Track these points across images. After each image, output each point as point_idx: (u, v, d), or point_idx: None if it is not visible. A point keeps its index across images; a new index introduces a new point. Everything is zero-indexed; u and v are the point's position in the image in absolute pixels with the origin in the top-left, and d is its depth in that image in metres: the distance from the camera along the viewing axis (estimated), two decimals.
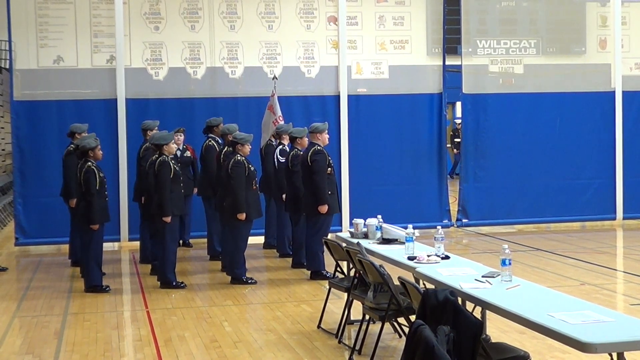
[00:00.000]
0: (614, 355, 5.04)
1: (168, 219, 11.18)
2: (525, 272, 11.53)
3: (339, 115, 15.62)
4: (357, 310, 8.58)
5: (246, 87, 15.39)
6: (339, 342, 8.39)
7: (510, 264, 6.52)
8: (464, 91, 16.22)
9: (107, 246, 13.51)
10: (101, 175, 11.12)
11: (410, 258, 7.76)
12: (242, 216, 11.39)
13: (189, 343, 8.55)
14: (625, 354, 5.00)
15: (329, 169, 11.67)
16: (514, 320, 5.69)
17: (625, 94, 16.73)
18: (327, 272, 11.47)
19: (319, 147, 11.66)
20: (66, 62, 14.88)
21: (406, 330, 7.52)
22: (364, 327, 7.88)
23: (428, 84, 16.00)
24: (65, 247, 13.74)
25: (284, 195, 12.79)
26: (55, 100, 14.81)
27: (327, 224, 11.73)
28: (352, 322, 8.74)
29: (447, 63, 16.08)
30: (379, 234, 9.00)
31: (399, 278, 6.61)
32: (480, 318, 6.22)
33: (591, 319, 5.36)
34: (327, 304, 9.16)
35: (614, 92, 16.71)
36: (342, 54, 15.71)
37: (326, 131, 11.84)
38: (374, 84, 15.95)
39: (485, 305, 6.13)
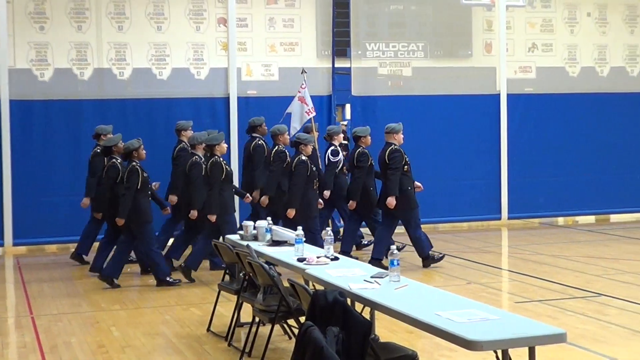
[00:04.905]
0: (499, 352, 5.13)
1: (213, 218, 11.48)
2: (413, 273, 11.68)
3: (228, 117, 15.55)
4: (247, 313, 8.55)
5: (135, 88, 15.19)
6: (229, 344, 8.35)
7: (398, 264, 6.58)
8: (353, 93, 16.34)
9: None
10: (145, 175, 11.36)
11: (300, 260, 7.77)
12: (292, 213, 11.93)
13: (76, 349, 8.38)
14: (510, 350, 5.10)
15: (406, 166, 12.31)
16: (402, 319, 5.73)
17: (509, 96, 17.09)
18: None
19: (395, 146, 12.30)
20: None
21: (296, 331, 7.52)
22: (253, 329, 7.86)
23: (318, 86, 16.05)
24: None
25: (326, 192, 13.20)
26: None
27: (417, 215, 12.44)
28: (241, 325, 8.69)
29: (336, 65, 16.18)
30: (268, 236, 8.99)
31: (288, 280, 6.61)
32: (369, 318, 6.26)
33: (477, 318, 5.43)
34: (217, 306, 9.10)
35: (499, 94, 17.07)
36: (232, 55, 15.66)
37: (401, 131, 12.50)
38: (264, 86, 15.94)
39: (374, 306, 6.17)
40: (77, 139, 14.70)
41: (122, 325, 9.40)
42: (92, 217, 13.01)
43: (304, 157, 12.09)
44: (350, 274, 6.99)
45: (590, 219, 17.81)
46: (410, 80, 16.77)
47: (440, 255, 12.54)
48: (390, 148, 12.35)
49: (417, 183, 12.66)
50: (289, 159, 12.72)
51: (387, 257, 6.82)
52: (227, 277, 9.25)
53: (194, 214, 11.83)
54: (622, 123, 17.71)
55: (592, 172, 17.57)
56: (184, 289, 11.32)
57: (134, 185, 11.23)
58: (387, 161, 12.31)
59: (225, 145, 11.91)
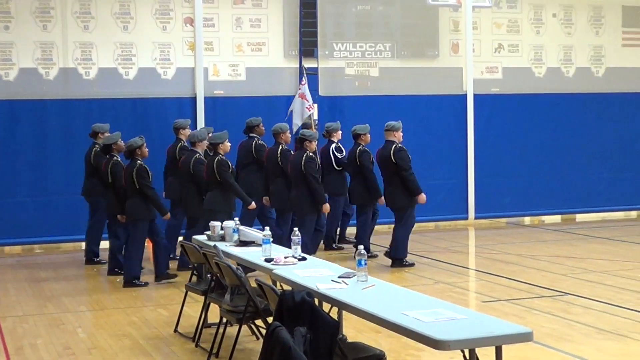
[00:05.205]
0: (466, 351, 5.14)
1: (253, 205, 11.80)
2: (380, 273, 11.70)
3: (195, 117, 15.49)
4: (214, 314, 8.52)
5: (101, 88, 15.09)
6: (196, 345, 8.32)
7: (365, 264, 6.58)
8: (320, 93, 16.33)
9: None
10: (150, 172, 11.41)
11: (268, 260, 7.75)
12: (327, 208, 12.04)
13: (41, 351, 8.32)
14: (477, 350, 5.11)
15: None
16: (370, 319, 5.73)
17: (476, 97, 17.17)
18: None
19: (398, 144, 12.38)
20: None
21: (263, 332, 7.50)
22: (221, 330, 7.84)
23: (285, 86, 16.04)
24: None
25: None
26: None
27: (414, 215, 12.65)
28: (209, 326, 8.66)
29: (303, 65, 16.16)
30: (236, 237, 8.96)
31: (256, 280, 6.59)
32: (336, 318, 6.26)
33: (444, 317, 5.44)
34: (184, 307, 9.07)
35: (465, 95, 17.14)
36: (199, 55, 15.60)
37: (401, 129, 12.60)
38: (231, 86, 15.89)
39: (342, 306, 6.17)
40: (42, 139, 14.60)
41: (89, 326, 9.34)
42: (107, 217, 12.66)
43: (310, 154, 12.09)
44: (317, 274, 6.99)
45: (556, 218, 17.94)
46: (377, 81, 16.80)
47: (410, 262, 12.54)
48: (394, 147, 12.38)
49: None
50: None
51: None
52: (194, 278, 9.22)
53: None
54: (587, 123, 17.84)
55: (558, 172, 17.70)
56: (151, 290, 11.27)
57: (150, 183, 11.33)
58: (394, 160, 12.30)
59: (229, 144, 11.82)
